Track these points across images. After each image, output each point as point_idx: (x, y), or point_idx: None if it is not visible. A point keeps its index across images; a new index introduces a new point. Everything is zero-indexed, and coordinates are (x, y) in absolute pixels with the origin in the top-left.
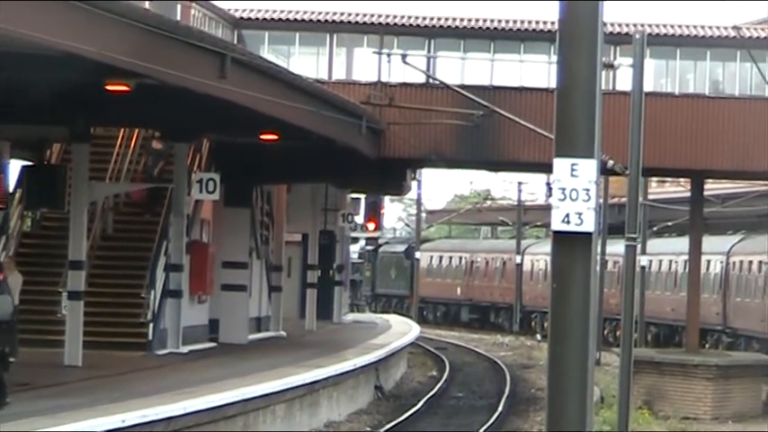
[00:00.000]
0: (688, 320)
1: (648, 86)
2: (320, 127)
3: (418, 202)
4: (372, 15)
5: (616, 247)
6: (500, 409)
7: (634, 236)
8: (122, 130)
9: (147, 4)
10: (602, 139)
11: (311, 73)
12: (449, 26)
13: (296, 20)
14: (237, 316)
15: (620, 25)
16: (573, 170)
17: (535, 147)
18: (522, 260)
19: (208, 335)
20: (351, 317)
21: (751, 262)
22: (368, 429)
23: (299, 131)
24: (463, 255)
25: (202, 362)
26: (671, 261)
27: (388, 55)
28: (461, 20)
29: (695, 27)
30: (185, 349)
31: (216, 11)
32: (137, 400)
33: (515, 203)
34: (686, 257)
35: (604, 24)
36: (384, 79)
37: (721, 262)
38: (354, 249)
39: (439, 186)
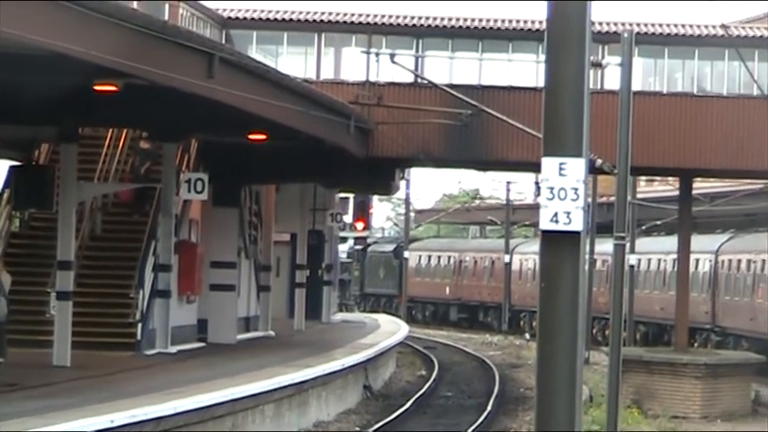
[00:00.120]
0: (677, 319)
1: (637, 85)
2: (309, 127)
3: (407, 201)
4: (360, 15)
5: (605, 246)
6: (489, 408)
7: (623, 235)
8: (111, 130)
9: (135, 4)
10: (590, 138)
11: (299, 73)
12: (437, 26)
13: (284, 19)
14: (226, 316)
15: (608, 24)
16: (561, 169)
17: (523, 146)
18: (510, 259)
19: (196, 335)
20: (339, 316)
21: (740, 261)
22: (357, 429)
23: (288, 131)
24: (452, 254)
25: (191, 362)
26: (660, 260)
27: (377, 54)
28: (449, 19)
29: (683, 26)
30: (174, 349)
31: (204, 11)
32: (126, 400)
33: (504, 203)
34: (675, 256)
35: (592, 24)
36: (372, 79)
37: (710, 261)
38: (343, 249)
39: (427, 186)
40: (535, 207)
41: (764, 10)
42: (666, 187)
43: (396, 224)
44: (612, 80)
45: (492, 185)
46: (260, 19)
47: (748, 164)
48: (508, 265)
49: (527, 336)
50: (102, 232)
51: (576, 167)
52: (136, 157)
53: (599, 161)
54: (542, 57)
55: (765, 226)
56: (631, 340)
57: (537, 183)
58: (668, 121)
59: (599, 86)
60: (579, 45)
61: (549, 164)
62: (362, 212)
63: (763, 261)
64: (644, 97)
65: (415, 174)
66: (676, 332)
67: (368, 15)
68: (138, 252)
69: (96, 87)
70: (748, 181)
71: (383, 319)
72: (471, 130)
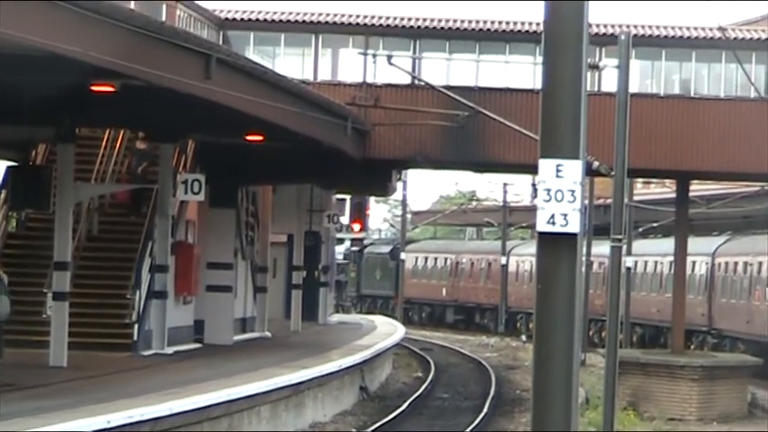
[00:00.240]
0: (673, 321)
1: (634, 87)
2: (305, 128)
3: (403, 203)
4: (358, 16)
5: (601, 248)
6: (485, 410)
7: (619, 237)
8: (108, 130)
9: (132, 5)
10: (587, 140)
11: (296, 74)
12: (434, 27)
13: (281, 21)
14: (222, 317)
15: (605, 26)
16: (558, 171)
17: (520, 148)
18: (507, 261)
19: (193, 336)
20: (336, 318)
21: (736, 263)
22: (353, 430)
23: (285, 132)
24: (448, 256)
25: (187, 363)
26: (656, 262)
27: (374, 56)
28: (447, 21)
29: (680, 28)
30: (170, 350)
31: (201, 12)
32: (122, 400)
33: (501, 204)
34: (671, 258)
35: (590, 25)
36: (369, 80)
37: (706, 263)
38: (340, 250)
39: (424, 187)
40: (532, 209)
41: (762, 12)
42: (663, 189)
43: (392, 225)
44: (610, 82)
45: (489, 187)
46: (257, 20)
47: (745, 166)
48: (505, 266)
49: (523, 337)
50: (99, 233)
51: (573, 169)
52: (132, 157)
53: (596, 163)
54: (539, 58)
55: (762, 228)
56: (628, 342)
57: (534, 184)
58: (665, 124)
59: (596, 88)
60: (576, 46)
61: (545, 166)
62: (359, 214)
63: (760, 263)
64: (641, 99)
65: (412, 175)
66: (673, 334)
67: (365, 17)
68: (134, 253)
69: (93, 88)
70: (745, 183)
71: (380, 320)
72: (468, 131)
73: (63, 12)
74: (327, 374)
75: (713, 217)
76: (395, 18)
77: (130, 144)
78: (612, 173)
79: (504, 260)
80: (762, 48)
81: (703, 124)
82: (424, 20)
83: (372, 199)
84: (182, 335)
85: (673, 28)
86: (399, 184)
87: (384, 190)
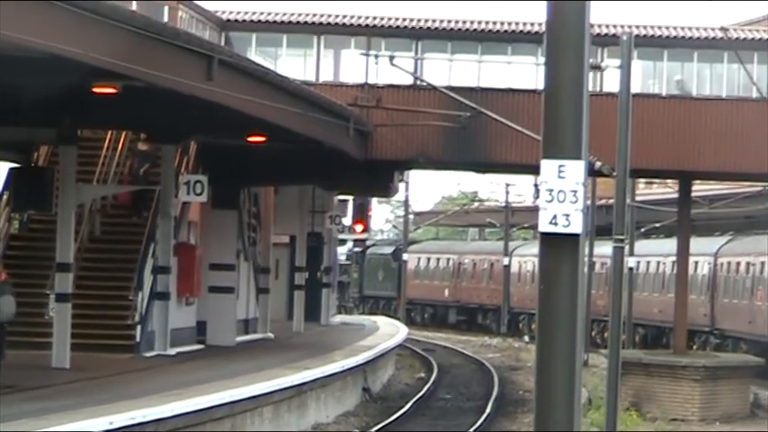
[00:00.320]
0: (676, 322)
1: (636, 88)
2: (307, 129)
3: (406, 203)
4: (360, 17)
5: (604, 249)
6: (488, 410)
7: (622, 237)
8: (110, 132)
9: (134, 6)
10: (589, 141)
11: (298, 75)
12: (436, 28)
13: (283, 22)
14: (225, 318)
15: (607, 26)
16: (560, 171)
17: (522, 148)
18: (509, 262)
19: (195, 337)
20: (338, 319)
21: (738, 263)
22: (356, 431)
23: (287, 133)
24: (451, 256)
25: (190, 364)
26: (659, 262)
27: (376, 56)
28: (449, 21)
29: (683, 28)
30: (173, 351)
31: (203, 13)
32: (125, 401)
33: (503, 205)
34: (674, 259)
35: (592, 26)
36: (371, 81)
37: (709, 263)
38: (342, 251)
39: (426, 188)
40: (534, 209)
41: (764, 12)
42: (665, 190)
43: (395, 226)
44: (612, 83)
45: (491, 188)
46: (259, 21)
47: (747, 166)
48: (507, 267)
49: (526, 338)
50: (102, 234)
51: (576, 170)
52: (134, 159)
53: (598, 163)
54: (541, 59)
55: (764, 228)
56: (630, 343)
57: (536, 185)
58: (667, 124)
59: (598, 89)
60: (578, 46)
61: (548, 166)
62: (361, 215)
63: (762, 263)
64: (643, 99)
65: (414, 176)
66: (675, 335)
67: (367, 17)
68: (137, 254)
69: (95, 89)
70: (747, 183)
71: (382, 321)
72: (470, 132)
73: (64, 13)
74: (330, 375)
75: (715, 217)
76: (397, 19)
77: (132, 145)
78: (614, 173)
79: (506, 261)
80: (763, 48)
81: (705, 124)
82: (426, 20)
83: (374, 200)
84: (184, 336)
85: (674, 28)
86: (401, 185)
87: (386, 191)
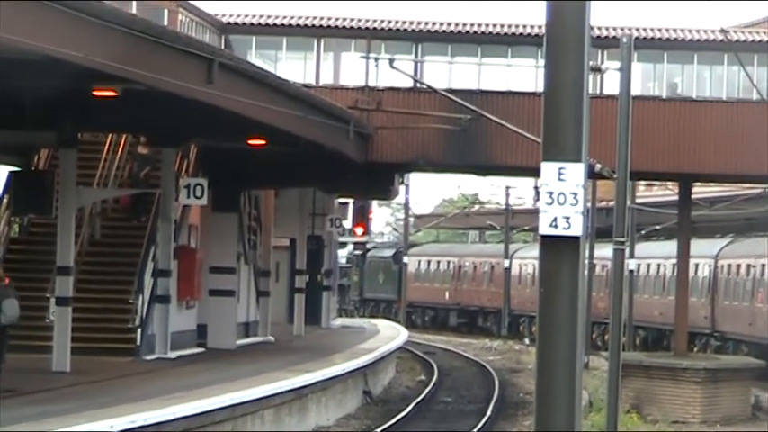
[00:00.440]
0: (676, 324)
1: (636, 90)
2: (308, 132)
3: (406, 206)
4: (360, 20)
5: (604, 251)
6: (488, 413)
7: (622, 239)
8: (110, 135)
9: (133, 8)
10: (589, 143)
11: (298, 78)
12: (436, 30)
13: (283, 25)
14: (225, 321)
15: (607, 29)
16: (560, 174)
17: (523, 151)
18: (510, 264)
19: (196, 340)
20: (339, 321)
21: (739, 265)
22: None
23: (287, 136)
24: (451, 259)
25: (190, 367)
26: (659, 265)
27: (376, 59)
28: (448, 24)
29: (682, 31)
30: (173, 354)
31: (203, 16)
32: (125, 405)
33: (503, 208)
34: (674, 261)
35: (591, 28)
36: (371, 84)
37: (709, 265)
38: (342, 254)
39: (427, 191)
40: (534, 212)
41: (764, 14)
42: (666, 192)
43: (395, 229)
44: (612, 85)
45: (491, 190)
46: (259, 24)
47: (748, 168)
48: (507, 270)
49: (526, 341)
50: (102, 237)
51: (576, 172)
52: (134, 162)
53: (598, 166)
54: (541, 61)
55: (765, 230)
56: (631, 345)
57: (536, 187)
58: (667, 126)
59: (598, 91)
60: (578, 47)
61: (548, 169)
62: (362, 217)
63: (763, 266)
64: (643, 102)
65: (415, 179)
66: (676, 337)
67: (367, 20)
68: (137, 257)
69: (95, 93)
70: (748, 185)
71: (382, 324)
72: (470, 135)
73: (64, 16)
74: (331, 378)
75: (716, 219)
76: (396, 22)
77: (132, 149)
78: (615, 176)
79: (506, 263)
80: (764, 50)
81: (705, 127)
82: (426, 23)
83: (375, 202)
84: (185, 339)
85: (675, 30)
86: (402, 188)
87: (386, 193)
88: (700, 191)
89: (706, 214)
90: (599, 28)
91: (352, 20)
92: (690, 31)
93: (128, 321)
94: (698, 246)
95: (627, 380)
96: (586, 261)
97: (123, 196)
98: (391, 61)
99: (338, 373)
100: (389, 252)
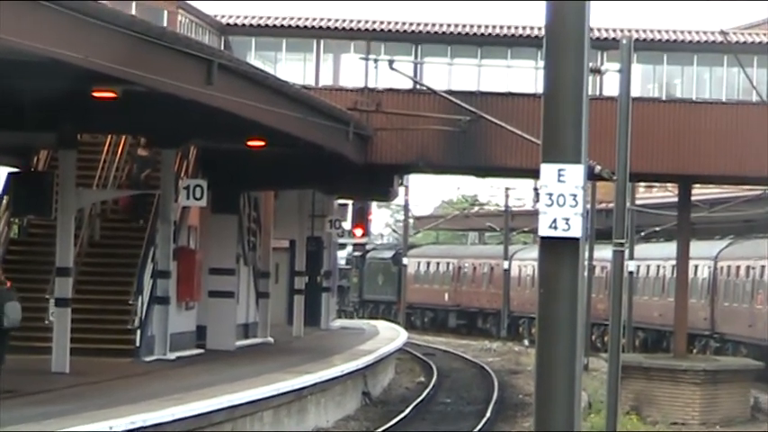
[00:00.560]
0: (676, 325)
1: (635, 92)
2: (307, 133)
3: (405, 207)
4: (359, 21)
5: (604, 253)
6: (488, 414)
7: (622, 241)
8: (109, 136)
9: (133, 9)
10: (589, 145)
11: (298, 79)
12: (435, 32)
13: (282, 26)
14: (225, 322)
15: (606, 30)
16: (560, 175)
17: (522, 152)
18: (509, 266)
19: (195, 341)
20: (338, 323)
21: (738, 267)
22: None
23: (286, 138)
24: (451, 261)
25: (190, 368)
26: (659, 266)
27: (375, 61)
28: (448, 25)
29: (682, 32)
30: (173, 356)
31: (202, 17)
32: (124, 406)
33: (503, 209)
34: (674, 262)
35: (591, 30)
36: (371, 85)
37: (709, 267)
38: (342, 255)
39: (426, 192)
40: (534, 213)
41: (764, 15)
42: (665, 193)
43: (394, 230)
44: (611, 86)
45: (491, 191)
46: (259, 25)
47: (747, 170)
48: (507, 271)
49: (526, 342)
50: (101, 239)
51: (575, 174)
52: (133, 164)
53: (598, 167)
54: (541, 63)
55: (764, 232)
56: (630, 347)
57: (536, 189)
58: (667, 128)
59: (598, 93)
60: (578, 48)
61: (547, 170)
62: (361, 219)
63: (762, 267)
64: (643, 103)
65: (414, 180)
66: (675, 338)
67: (366, 22)
68: (136, 258)
69: (95, 94)
70: (747, 187)
71: (382, 325)
72: (470, 136)
73: (64, 17)
74: (330, 380)
75: (715, 221)
76: (396, 23)
77: (132, 150)
78: (614, 177)
79: (506, 265)
80: (763, 51)
81: (705, 128)
82: (426, 24)
83: (374, 204)
84: (184, 340)
85: (674, 32)
86: (401, 189)
87: (386, 195)
88: (699, 192)
89: (705, 216)
90: (599, 29)
91: (351, 21)
92: (689, 32)
93: (127, 322)
94: (697, 247)
95: (626, 381)
96: (586, 262)
97: (123, 199)
98: (391, 62)
99: (337, 374)
100: (389, 253)
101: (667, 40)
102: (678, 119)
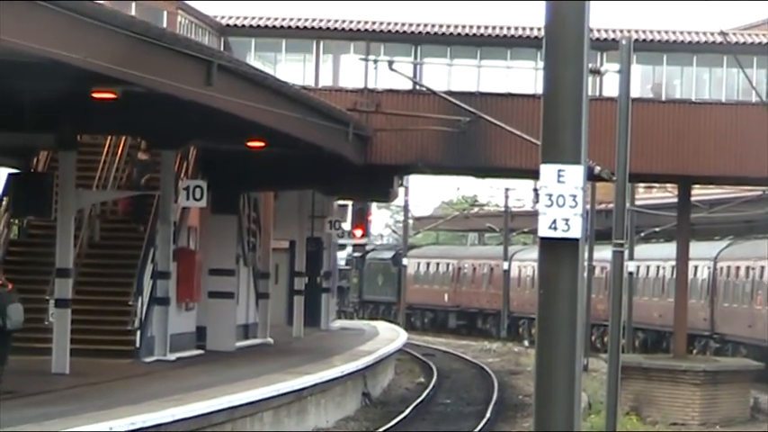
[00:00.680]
0: (676, 326)
1: (635, 92)
2: (307, 134)
3: (405, 208)
4: (359, 22)
5: (603, 253)
6: (488, 415)
7: (621, 242)
8: (109, 137)
9: (132, 9)
10: (588, 145)
11: (298, 80)
12: (435, 33)
13: (282, 27)
14: (225, 323)
15: (606, 31)
16: (560, 176)
17: (522, 153)
18: (509, 266)
19: (195, 342)
20: (338, 324)
21: (738, 267)
22: None
23: (286, 138)
24: (450, 261)
25: (190, 369)
26: (658, 267)
27: (375, 61)
28: (448, 26)
29: (682, 33)
30: (173, 356)
31: (202, 18)
32: (124, 407)
33: (502, 210)
34: (674, 263)
35: (591, 30)
36: (371, 86)
37: (709, 267)
38: (342, 256)
39: (426, 193)
40: (534, 214)
41: (763, 16)
42: (665, 194)
43: (394, 231)
44: (611, 87)
45: (490, 192)
46: (258, 26)
47: (747, 170)
48: (507, 272)
49: (526, 343)
50: (101, 240)
51: (575, 174)
52: (133, 168)
53: (597, 168)
54: (541, 64)
55: (764, 233)
56: (630, 347)
57: (535, 190)
58: (667, 128)
59: (597, 93)
60: (578, 48)
61: (547, 171)
62: (361, 219)
63: (762, 268)
64: (642, 104)
65: (414, 181)
66: (675, 339)
67: (366, 22)
68: (136, 259)
69: (95, 95)
70: (747, 188)
71: (382, 326)
72: (470, 137)
73: (63, 18)
74: (330, 380)
75: (715, 221)
76: (396, 24)
77: (132, 153)
78: (614, 178)
79: (506, 265)
80: (763, 52)
81: (705, 129)
82: (425, 25)
83: (374, 205)
84: (184, 341)
85: (674, 32)
86: (401, 190)
87: (386, 196)
88: (699, 193)
89: (705, 216)
90: (598, 30)
91: (351, 22)
92: (689, 33)
93: (127, 323)
94: (697, 248)
95: (626, 382)
96: (586, 263)
97: (122, 203)
98: (390, 63)
99: (337, 375)
100: (389, 254)
101: (667, 41)
102: (678, 119)
